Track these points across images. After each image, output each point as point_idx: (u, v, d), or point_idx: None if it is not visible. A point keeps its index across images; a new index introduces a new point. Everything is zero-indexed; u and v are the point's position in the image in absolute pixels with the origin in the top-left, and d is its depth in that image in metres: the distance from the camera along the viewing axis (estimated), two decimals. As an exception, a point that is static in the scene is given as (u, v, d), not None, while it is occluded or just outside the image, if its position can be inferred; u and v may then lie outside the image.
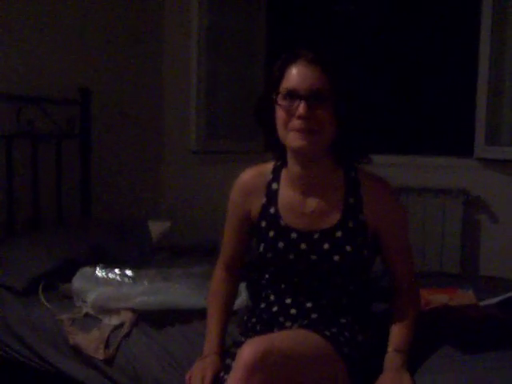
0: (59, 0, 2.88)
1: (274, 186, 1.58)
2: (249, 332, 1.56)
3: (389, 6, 3.50)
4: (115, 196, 3.22)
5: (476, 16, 2.90)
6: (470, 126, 2.95)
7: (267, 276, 1.60)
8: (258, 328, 1.55)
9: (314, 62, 1.43)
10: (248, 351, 1.27)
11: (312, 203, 1.53)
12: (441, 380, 1.40)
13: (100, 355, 1.83)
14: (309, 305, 1.52)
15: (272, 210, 1.55)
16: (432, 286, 1.99)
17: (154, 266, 2.28)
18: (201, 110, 3.45)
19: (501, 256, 2.87)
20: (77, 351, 1.89)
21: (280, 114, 1.45)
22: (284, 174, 1.57)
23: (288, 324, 1.51)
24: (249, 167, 1.64)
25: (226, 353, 1.51)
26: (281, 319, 1.53)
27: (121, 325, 1.88)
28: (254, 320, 1.59)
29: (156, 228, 2.87)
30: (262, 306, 1.59)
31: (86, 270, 2.10)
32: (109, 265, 2.13)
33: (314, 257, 1.49)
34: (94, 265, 2.12)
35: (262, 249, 1.54)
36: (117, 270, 2.07)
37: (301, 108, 1.40)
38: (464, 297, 1.92)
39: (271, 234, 1.53)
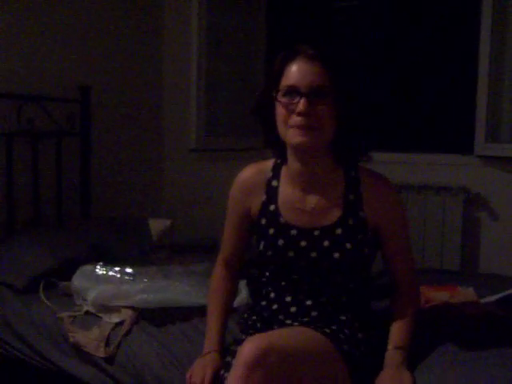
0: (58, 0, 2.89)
1: (274, 183, 1.58)
2: (249, 330, 1.56)
3: (389, 5, 3.49)
4: (115, 194, 3.22)
5: (476, 14, 2.89)
6: (470, 123, 2.95)
7: (267, 273, 1.60)
8: (259, 326, 1.55)
9: (314, 58, 1.42)
10: (248, 349, 1.27)
11: (312, 200, 1.53)
12: (441, 377, 1.40)
13: (100, 353, 1.83)
14: (309, 302, 1.51)
15: (272, 208, 1.55)
16: (432, 283, 1.99)
17: (155, 264, 2.29)
18: (201, 108, 3.45)
19: (501, 253, 2.87)
20: (77, 349, 1.89)
21: (280, 110, 1.45)
22: (284, 171, 1.57)
23: (288, 322, 1.51)
24: (248, 165, 1.64)
25: (227, 350, 1.51)
26: (281, 317, 1.53)
27: (121, 323, 1.88)
28: (254, 318, 1.59)
29: (156, 226, 2.87)
30: (263, 303, 1.59)
31: (86, 268, 2.10)
32: (109, 263, 2.13)
33: (313, 254, 1.49)
34: (94, 263, 2.13)
35: (262, 246, 1.54)
36: (117, 268, 2.08)
37: (301, 104, 1.40)
38: (464, 294, 1.92)
39: (271, 231, 1.53)
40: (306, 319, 1.49)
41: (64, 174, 2.87)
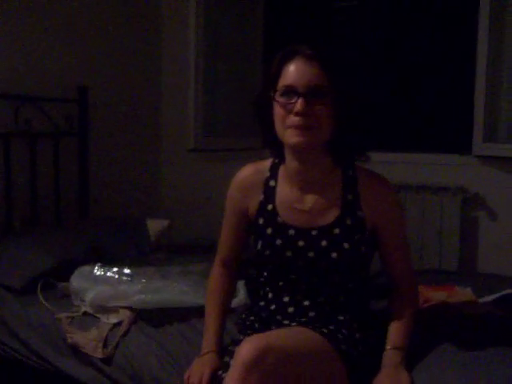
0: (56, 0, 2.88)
1: (272, 183, 1.57)
2: (247, 330, 1.56)
3: (387, 5, 3.49)
4: (113, 194, 3.21)
5: (474, 14, 2.90)
6: (468, 123, 2.95)
7: (265, 274, 1.60)
8: (256, 326, 1.55)
9: (312, 58, 1.42)
10: (246, 349, 1.27)
11: (310, 200, 1.53)
12: (439, 377, 1.40)
13: (98, 354, 1.82)
14: (306, 303, 1.51)
15: (269, 207, 1.55)
16: (430, 283, 2.00)
17: (153, 265, 2.28)
18: (199, 108, 3.45)
19: (499, 253, 2.87)
20: (75, 350, 1.88)
21: (278, 110, 1.45)
22: (282, 170, 1.57)
23: (286, 322, 1.51)
24: (246, 164, 1.64)
25: (225, 351, 1.51)
26: (279, 317, 1.52)
27: (119, 323, 1.88)
28: (252, 318, 1.59)
29: (154, 226, 2.87)
30: (261, 304, 1.58)
31: (84, 268, 2.09)
32: (107, 263, 2.13)
33: (311, 254, 1.49)
34: (92, 264, 2.12)
35: (259, 246, 1.54)
36: (115, 269, 2.07)
37: (298, 104, 1.40)
38: (462, 294, 1.92)
39: (269, 231, 1.53)
40: (303, 319, 1.49)
41: (62, 175, 2.87)
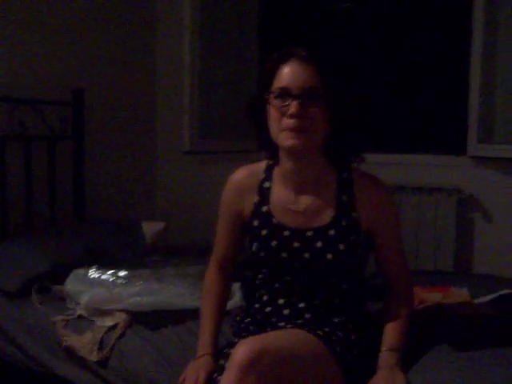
0: (51, 2, 2.87)
1: (267, 184, 1.57)
2: (242, 332, 1.55)
3: (381, 7, 3.50)
4: (109, 197, 3.21)
5: (468, 15, 2.90)
6: (462, 124, 2.96)
7: (261, 276, 1.59)
8: (252, 328, 1.55)
9: (307, 60, 1.42)
10: (241, 352, 1.27)
11: (305, 201, 1.53)
12: (434, 378, 1.40)
13: (94, 357, 1.82)
14: (302, 305, 1.51)
15: (264, 209, 1.55)
16: (426, 284, 2.00)
17: (148, 267, 2.27)
18: (194, 111, 3.44)
19: (494, 254, 2.88)
20: (70, 353, 1.88)
21: (272, 112, 1.45)
22: (276, 172, 1.57)
23: (281, 324, 1.50)
24: (241, 167, 1.64)
25: (220, 353, 1.51)
26: (274, 320, 1.52)
27: (114, 326, 1.88)
28: (247, 320, 1.58)
29: (150, 229, 2.86)
30: (256, 306, 1.58)
31: (79, 271, 2.09)
32: (103, 266, 2.12)
33: (306, 255, 1.49)
34: (87, 266, 2.12)
35: (254, 248, 1.54)
36: (110, 272, 2.07)
37: (293, 107, 1.40)
38: (458, 295, 1.92)
39: (264, 232, 1.53)
40: (299, 321, 1.49)
41: (57, 177, 2.86)
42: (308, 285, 1.51)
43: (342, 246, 1.48)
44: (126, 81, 3.33)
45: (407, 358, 1.45)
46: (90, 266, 2.13)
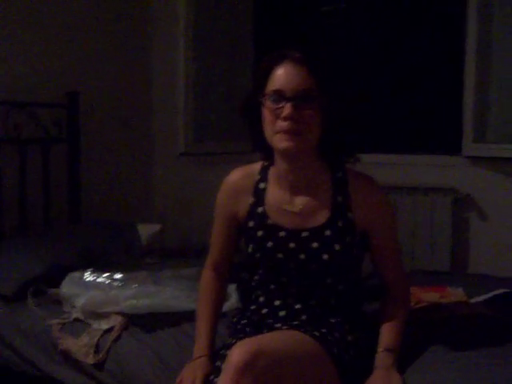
0: (45, 4, 2.86)
1: (262, 185, 1.57)
2: (238, 334, 1.55)
3: (375, 8, 3.51)
4: (105, 199, 3.20)
5: (462, 15, 2.91)
6: (457, 124, 2.96)
7: (257, 277, 1.59)
8: (248, 330, 1.54)
9: (301, 62, 1.42)
10: (238, 353, 1.27)
11: (300, 202, 1.53)
12: (431, 378, 1.40)
13: (90, 360, 1.82)
14: (298, 306, 1.51)
15: (260, 210, 1.55)
16: (422, 284, 2.00)
17: (145, 269, 2.27)
18: (189, 113, 3.44)
19: (490, 253, 2.88)
20: (66, 356, 1.87)
21: (266, 115, 1.45)
22: (271, 173, 1.57)
23: (277, 325, 1.50)
24: (236, 168, 1.64)
25: (216, 355, 1.50)
26: (270, 321, 1.52)
27: (110, 329, 1.87)
28: (243, 322, 1.58)
29: (146, 231, 2.86)
30: (252, 307, 1.58)
31: (75, 274, 2.09)
32: (98, 268, 2.12)
33: (302, 256, 1.49)
34: (83, 269, 2.11)
35: (250, 249, 1.54)
36: (106, 274, 2.07)
37: (287, 109, 1.40)
38: (454, 295, 1.93)
39: (259, 233, 1.53)
40: (295, 323, 1.49)
41: (52, 180, 2.85)
42: (304, 286, 1.51)
43: (337, 247, 1.48)
44: (121, 83, 3.32)
45: (404, 358, 1.45)
46: (85, 268, 2.12)
